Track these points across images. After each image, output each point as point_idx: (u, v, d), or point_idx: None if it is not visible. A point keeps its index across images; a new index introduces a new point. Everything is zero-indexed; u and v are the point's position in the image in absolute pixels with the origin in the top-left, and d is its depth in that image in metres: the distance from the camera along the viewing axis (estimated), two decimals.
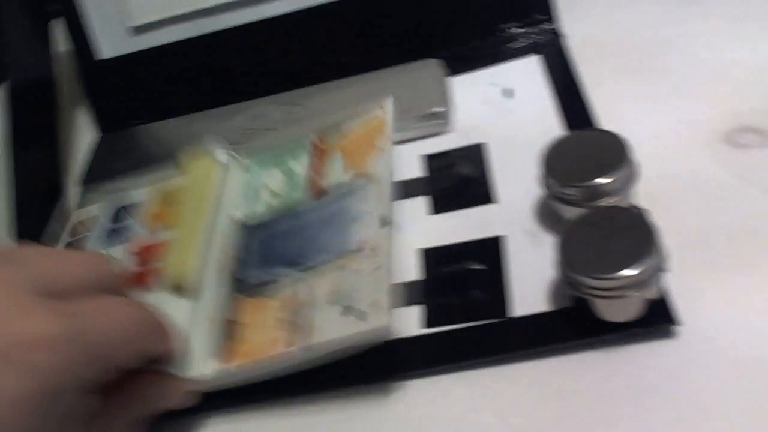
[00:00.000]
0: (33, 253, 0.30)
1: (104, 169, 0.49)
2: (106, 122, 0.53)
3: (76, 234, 0.45)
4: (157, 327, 0.31)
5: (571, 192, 0.35)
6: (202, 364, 0.34)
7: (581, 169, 0.35)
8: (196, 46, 0.50)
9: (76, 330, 0.25)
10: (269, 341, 0.34)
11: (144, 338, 0.30)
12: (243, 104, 0.50)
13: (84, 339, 0.26)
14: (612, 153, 0.35)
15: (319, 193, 0.40)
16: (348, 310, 0.33)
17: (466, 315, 0.34)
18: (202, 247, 0.39)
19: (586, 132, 0.37)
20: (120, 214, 0.45)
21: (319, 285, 0.35)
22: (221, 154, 0.43)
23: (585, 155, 0.35)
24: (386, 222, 0.36)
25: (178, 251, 0.39)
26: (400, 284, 0.36)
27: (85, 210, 0.47)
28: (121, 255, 0.41)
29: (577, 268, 0.31)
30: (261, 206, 0.41)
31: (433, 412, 0.32)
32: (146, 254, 0.41)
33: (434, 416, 0.32)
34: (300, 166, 0.42)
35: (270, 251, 0.38)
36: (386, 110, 0.41)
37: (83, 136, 0.55)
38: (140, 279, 0.39)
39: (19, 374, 0.23)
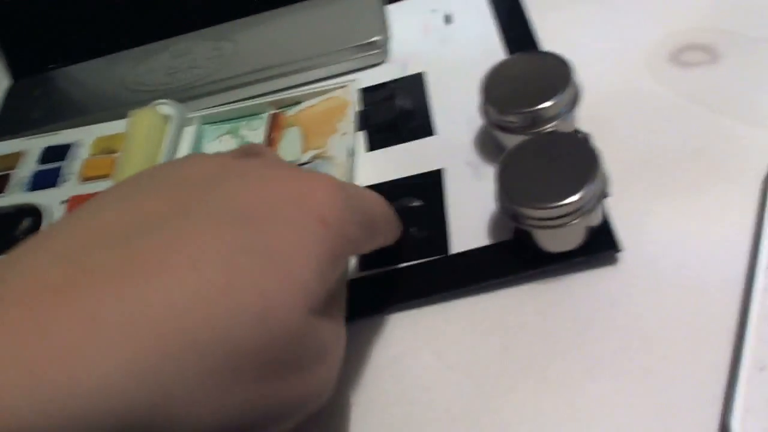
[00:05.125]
0: None
1: (19, 118, 0.46)
2: (17, 67, 0.49)
3: None
4: (398, 223, 0.30)
5: (511, 119, 0.33)
6: None
7: (522, 94, 0.33)
8: None
9: (349, 194, 0.25)
10: None
11: (395, 226, 0.30)
12: (165, 42, 0.46)
13: (356, 203, 0.25)
14: (554, 76, 0.33)
15: None
16: None
17: (403, 254, 0.33)
18: None
19: (526, 55, 0.35)
20: (48, 154, 0.42)
21: None
22: (168, 109, 0.40)
23: (525, 80, 0.33)
24: None
25: None
26: None
27: (7, 144, 0.44)
28: (49, 202, 0.39)
29: (516, 199, 0.29)
30: None
31: (370, 354, 0.30)
32: (79, 205, 0.38)
33: (371, 358, 0.30)
34: (254, 135, 0.40)
35: None
36: (349, 92, 0.39)
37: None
38: None
39: (312, 229, 0.22)
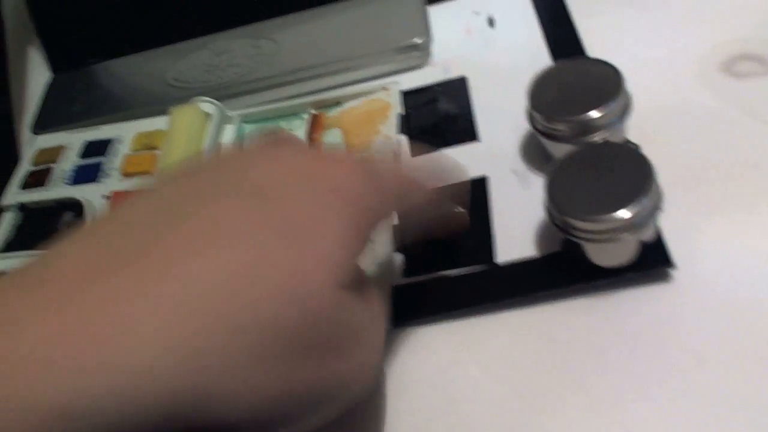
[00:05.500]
0: None
1: (60, 111, 0.46)
2: (57, 61, 0.49)
3: (39, 163, 0.42)
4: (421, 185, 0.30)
5: (559, 127, 0.32)
6: None
7: (570, 101, 0.32)
8: None
9: (365, 166, 0.25)
10: None
11: (416, 187, 0.29)
12: (204, 39, 0.46)
13: (371, 171, 0.25)
14: (604, 84, 0.32)
15: None
16: None
17: (447, 262, 0.32)
18: None
19: (575, 61, 0.35)
20: (89, 149, 0.42)
21: None
22: (208, 106, 0.40)
23: (574, 87, 0.33)
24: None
25: None
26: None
27: (49, 137, 0.44)
28: (91, 196, 0.39)
29: (567, 210, 0.28)
30: None
31: (415, 364, 0.30)
32: (121, 201, 0.38)
33: (415, 369, 0.30)
34: (295, 135, 0.39)
35: None
36: (391, 95, 0.39)
37: (34, 78, 0.51)
38: None
39: (330, 202, 0.23)
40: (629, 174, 0.29)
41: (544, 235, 0.32)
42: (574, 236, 0.29)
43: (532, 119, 0.33)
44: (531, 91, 0.33)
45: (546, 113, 0.32)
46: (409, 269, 0.33)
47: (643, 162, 0.29)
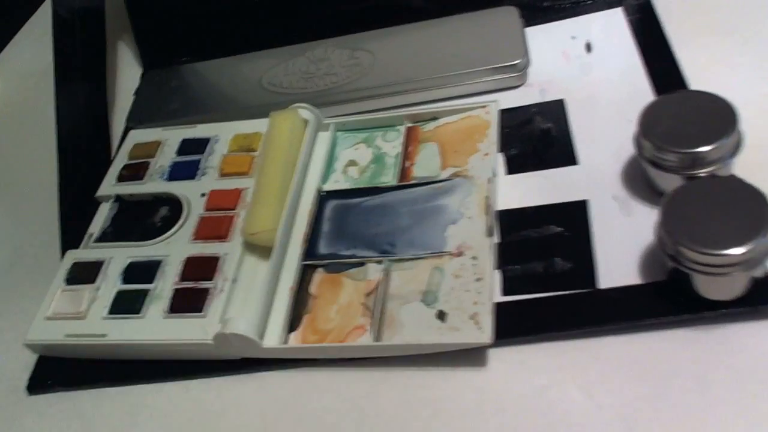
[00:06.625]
0: None
1: (155, 107, 0.47)
2: (149, 58, 0.50)
3: (135, 157, 0.43)
4: None
5: (669, 158, 0.32)
6: (279, 334, 0.33)
7: (682, 133, 0.32)
8: None
9: None
10: (353, 326, 0.33)
11: None
12: (302, 45, 0.47)
13: None
14: (718, 119, 0.32)
15: (407, 179, 0.38)
16: (443, 315, 0.32)
17: (548, 283, 0.33)
18: (286, 210, 0.36)
19: (687, 93, 0.35)
20: (186, 146, 0.43)
21: (410, 280, 0.33)
22: (306, 113, 0.41)
23: (687, 119, 0.33)
24: (492, 232, 0.34)
25: (262, 208, 0.36)
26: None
27: (144, 132, 0.45)
28: (188, 193, 0.40)
29: (681, 240, 0.29)
30: (344, 178, 0.39)
31: (514, 384, 0.30)
32: (218, 200, 0.39)
33: (514, 388, 0.30)
34: (390, 147, 0.40)
35: (349, 226, 0.37)
36: (491, 113, 0.39)
37: (124, 73, 0.52)
38: (217, 227, 0.37)
39: None
40: (745, 210, 0.29)
41: (648, 263, 0.32)
42: (685, 267, 0.29)
43: (640, 147, 0.34)
44: (642, 119, 0.34)
45: (656, 143, 0.33)
46: (511, 288, 0.33)
47: (761, 200, 0.29)
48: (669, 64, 0.40)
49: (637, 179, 0.35)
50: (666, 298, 0.31)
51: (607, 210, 0.35)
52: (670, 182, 0.33)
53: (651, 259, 0.32)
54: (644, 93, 0.39)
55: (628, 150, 0.36)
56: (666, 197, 0.30)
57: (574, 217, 0.35)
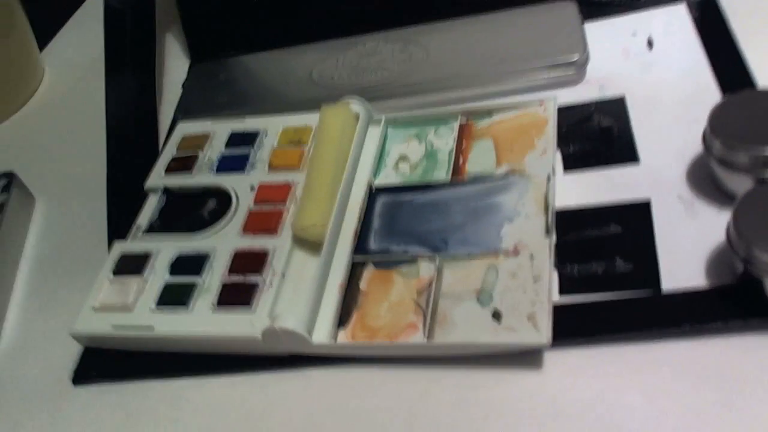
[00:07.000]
0: None
1: (204, 100, 0.47)
2: (197, 51, 0.50)
3: (184, 149, 0.43)
4: None
5: (740, 157, 0.31)
6: (329, 330, 0.32)
7: (754, 133, 0.31)
8: None
9: None
10: (404, 324, 0.32)
11: None
12: (352, 39, 0.46)
13: None
14: None
15: (461, 175, 0.37)
16: (497, 315, 0.30)
17: (608, 284, 0.31)
18: (337, 205, 0.36)
19: (758, 93, 0.33)
20: (235, 139, 0.42)
21: (464, 278, 0.32)
22: (357, 107, 0.40)
23: (758, 119, 0.31)
24: (550, 230, 0.33)
25: (313, 202, 0.36)
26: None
27: (192, 124, 0.45)
28: (237, 186, 0.39)
29: (757, 243, 0.27)
30: (395, 174, 0.39)
31: (570, 388, 0.29)
32: (268, 193, 0.38)
33: (571, 392, 0.29)
34: (443, 143, 0.39)
35: (401, 222, 0.36)
36: (548, 110, 0.38)
37: (171, 65, 0.52)
38: (266, 221, 0.37)
39: None
40: None
41: (714, 266, 0.31)
42: (759, 269, 0.27)
43: (709, 146, 0.32)
44: (712, 117, 0.32)
45: (728, 142, 0.31)
46: (569, 288, 0.32)
47: None
48: (735, 61, 0.38)
49: (703, 180, 0.34)
50: (734, 302, 0.29)
51: (671, 210, 0.33)
52: (739, 183, 0.31)
53: (718, 262, 0.31)
54: (709, 91, 0.37)
55: (693, 150, 0.34)
56: (739, 198, 0.29)
57: (635, 216, 0.33)
